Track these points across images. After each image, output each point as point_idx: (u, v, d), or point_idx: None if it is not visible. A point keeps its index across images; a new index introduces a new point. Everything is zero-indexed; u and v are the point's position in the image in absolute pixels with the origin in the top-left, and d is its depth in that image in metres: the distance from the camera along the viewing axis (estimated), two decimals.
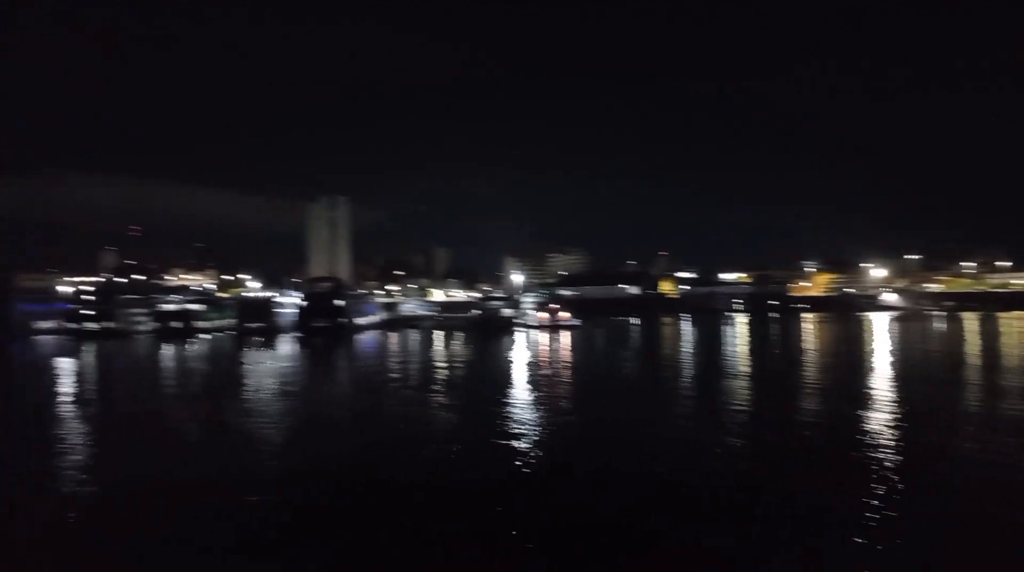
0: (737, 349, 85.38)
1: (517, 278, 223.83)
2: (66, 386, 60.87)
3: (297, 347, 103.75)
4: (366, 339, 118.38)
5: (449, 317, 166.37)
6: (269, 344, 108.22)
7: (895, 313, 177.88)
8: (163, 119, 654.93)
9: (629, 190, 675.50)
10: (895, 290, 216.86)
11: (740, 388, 49.26)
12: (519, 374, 62.74)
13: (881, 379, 52.54)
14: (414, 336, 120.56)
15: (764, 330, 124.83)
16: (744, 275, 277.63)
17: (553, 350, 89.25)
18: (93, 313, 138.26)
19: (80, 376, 70.53)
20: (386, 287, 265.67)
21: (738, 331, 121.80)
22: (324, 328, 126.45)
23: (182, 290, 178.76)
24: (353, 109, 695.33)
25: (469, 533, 20.23)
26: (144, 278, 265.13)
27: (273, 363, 79.69)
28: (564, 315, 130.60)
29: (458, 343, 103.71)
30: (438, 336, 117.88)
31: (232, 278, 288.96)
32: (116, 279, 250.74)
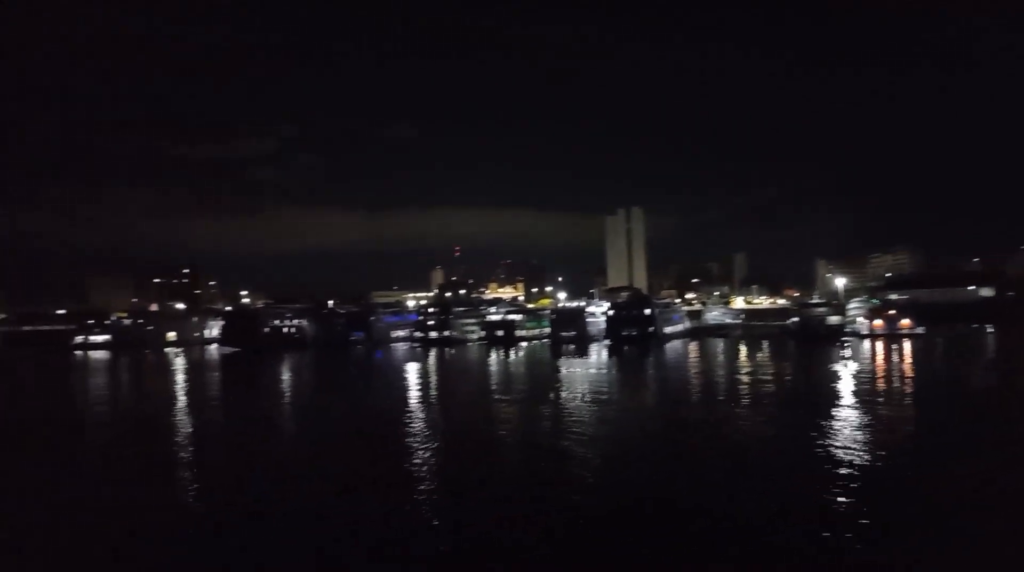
0: None
1: (838, 282, 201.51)
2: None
3: (610, 356, 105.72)
4: (675, 348, 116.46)
5: (758, 325, 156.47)
6: (582, 352, 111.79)
7: None
8: (473, 151, 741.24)
9: (967, 177, 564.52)
10: None
11: None
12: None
13: None
14: (725, 345, 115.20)
15: None
16: None
17: (907, 365, 77.53)
18: (434, 323, 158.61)
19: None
20: (684, 295, 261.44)
21: None
22: (633, 337, 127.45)
23: (498, 302, 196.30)
24: (646, 118, 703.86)
25: None
26: (465, 292, 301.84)
27: (597, 371, 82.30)
28: (905, 322, 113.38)
29: (784, 353, 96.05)
30: (751, 345, 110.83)
31: (537, 290, 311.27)
32: (446, 293, 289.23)
